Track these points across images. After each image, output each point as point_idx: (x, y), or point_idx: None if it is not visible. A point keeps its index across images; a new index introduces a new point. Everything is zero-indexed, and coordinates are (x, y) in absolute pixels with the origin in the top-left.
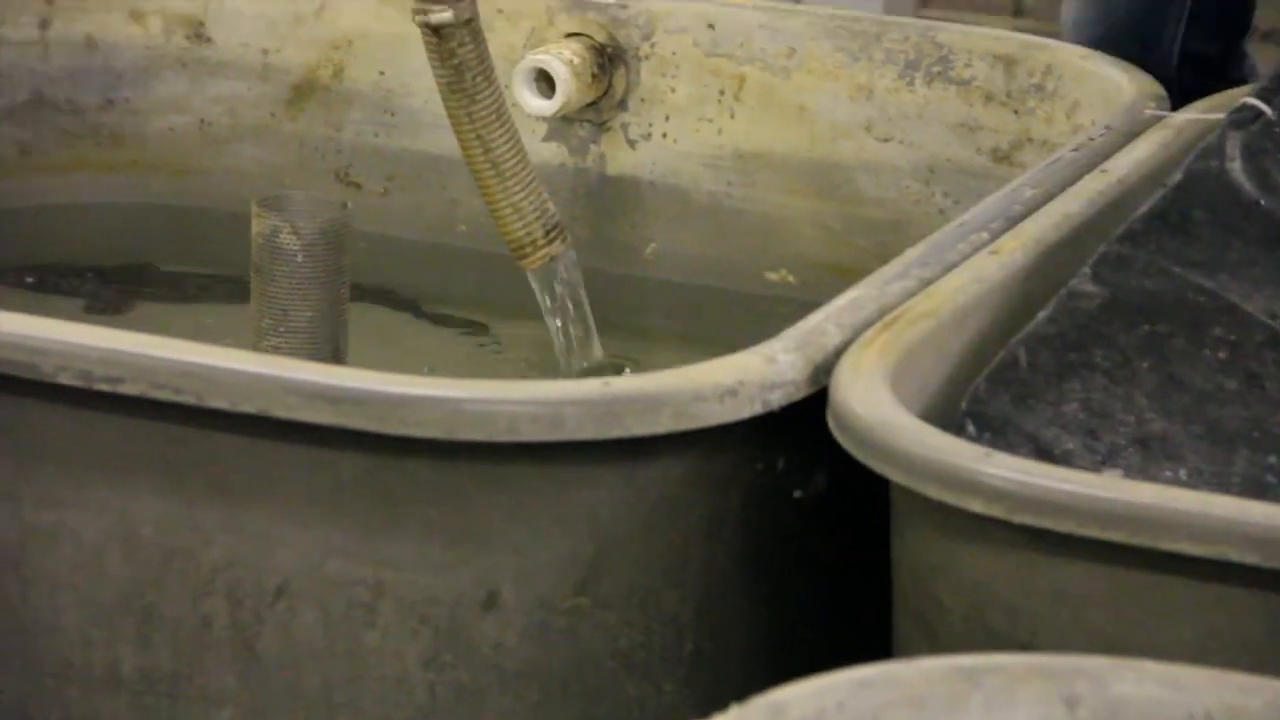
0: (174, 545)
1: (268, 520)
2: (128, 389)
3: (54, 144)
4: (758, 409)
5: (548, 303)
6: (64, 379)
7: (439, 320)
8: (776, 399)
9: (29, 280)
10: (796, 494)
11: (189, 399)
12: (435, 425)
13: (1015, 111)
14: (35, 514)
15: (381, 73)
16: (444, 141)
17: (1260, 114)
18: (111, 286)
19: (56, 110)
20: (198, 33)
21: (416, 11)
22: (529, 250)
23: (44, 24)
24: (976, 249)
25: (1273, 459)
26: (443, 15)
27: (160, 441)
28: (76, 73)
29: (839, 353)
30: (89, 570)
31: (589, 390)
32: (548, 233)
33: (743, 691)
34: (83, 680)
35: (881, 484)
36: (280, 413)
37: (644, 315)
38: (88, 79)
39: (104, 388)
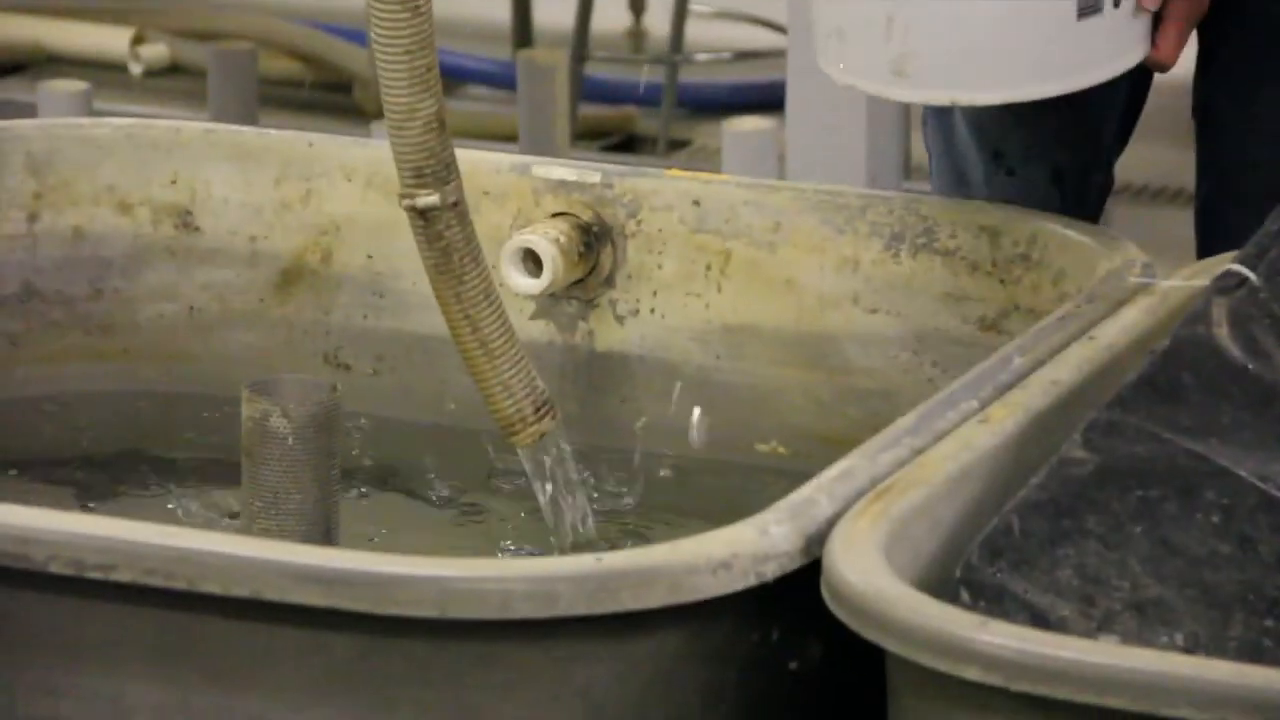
0: None
1: (261, 704)
2: (120, 576)
3: (43, 335)
4: (751, 581)
5: (539, 479)
6: (55, 568)
7: (430, 499)
8: (770, 571)
9: (11, 472)
10: (792, 665)
11: (181, 584)
12: (427, 604)
13: (1001, 281)
14: (29, 704)
15: (369, 256)
16: (433, 321)
17: (1244, 280)
18: (102, 475)
19: (45, 301)
20: (185, 221)
21: (403, 196)
22: (519, 427)
23: (32, 217)
24: (966, 417)
25: (1269, 622)
26: (429, 199)
27: (153, 628)
28: (65, 264)
29: (831, 523)
30: None
31: (582, 566)
32: (537, 409)
33: None
34: None
35: (877, 653)
36: (272, 595)
37: (634, 488)
38: (76, 269)
39: (96, 575)
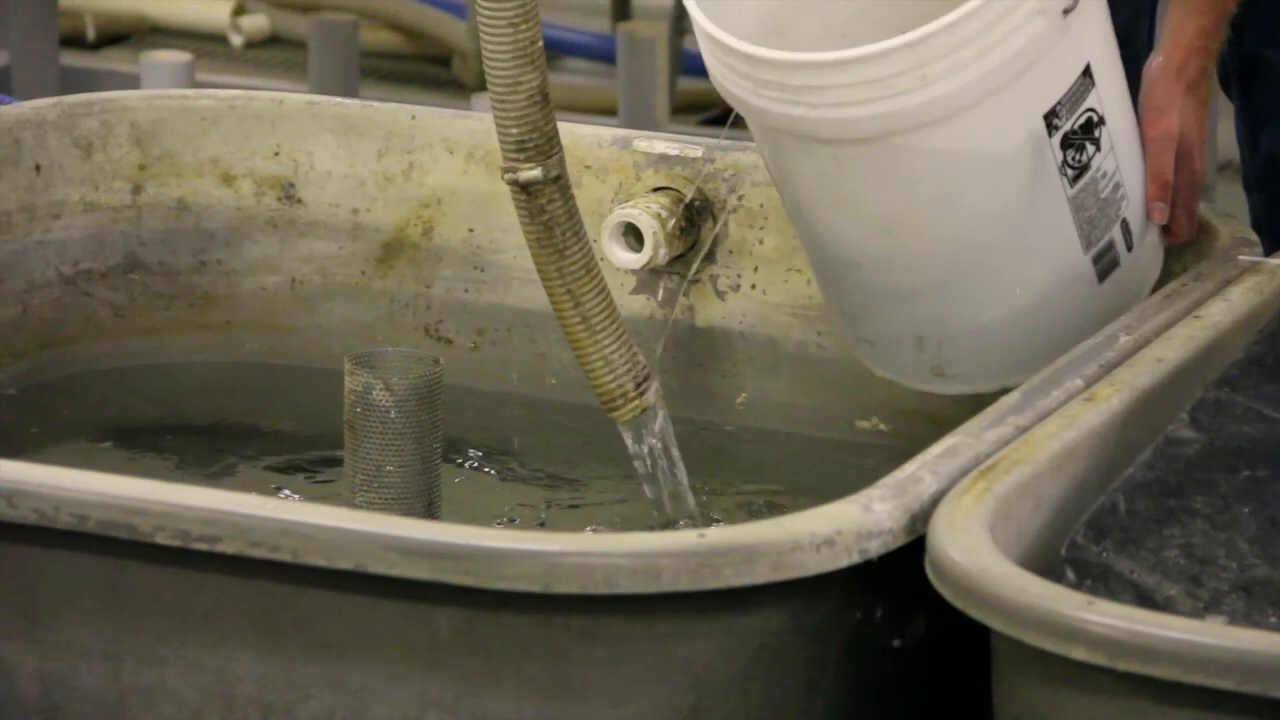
0: (272, 702)
1: (365, 676)
2: (225, 548)
3: (147, 305)
4: (855, 558)
5: (639, 454)
6: (161, 539)
7: (529, 472)
8: (874, 548)
9: (108, 442)
10: (895, 642)
11: (285, 557)
12: (532, 578)
13: None
14: (135, 673)
15: (470, 229)
16: (533, 296)
17: None
18: (203, 445)
19: (149, 272)
20: (288, 194)
21: (505, 169)
22: (620, 403)
23: (137, 189)
24: (1072, 395)
25: None
26: (531, 173)
27: (257, 599)
28: (169, 235)
29: (935, 501)
30: None
31: (685, 542)
32: (638, 385)
33: None
34: None
35: (981, 631)
36: (377, 568)
37: (735, 464)
38: (180, 241)
39: (201, 547)
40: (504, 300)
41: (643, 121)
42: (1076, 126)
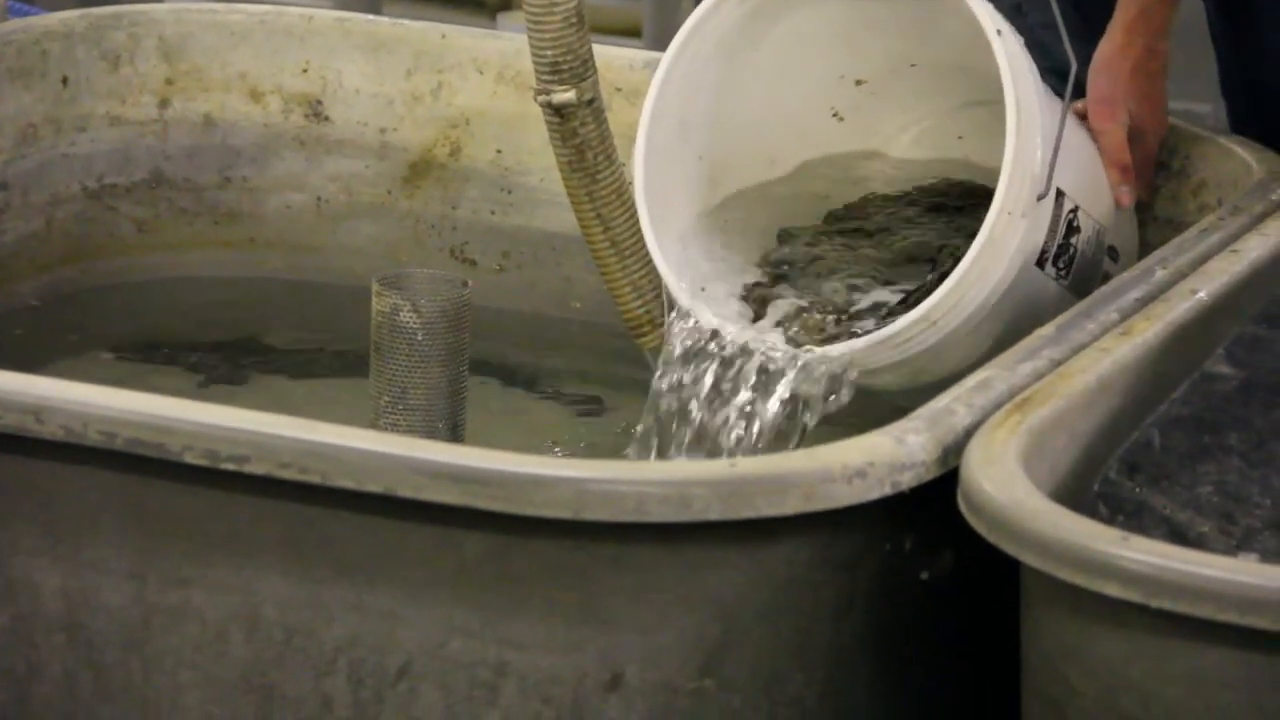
0: (296, 624)
1: (391, 599)
2: (253, 469)
3: (171, 221)
4: (887, 490)
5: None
6: (190, 458)
7: (553, 395)
8: (906, 480)
9: (130, 357)
10: (924, 574)
11: (314, 479)
12: (562, 505)
13: None
14: (160, 593)
15: (498, 151)
16: (559, 219)
17: None
18: (227, 360)
19: (174, 188)
20: (315, 111)
21: (539, 92)
22: (648, 328)
23: (163, 103)
24: (1106, 329)
25: None
26: (565, 95)
27: (284, 520)
28: (194, 151)
29: (969, 433)
30: (211, 649)
31: (716, 471)
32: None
33: None
34: None
35: (1011, 564)
36: (406, 492)
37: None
38: (206, 157)
39: (230, 467)
40: (530, 223)
41: (666, 43)
42: (1060, 240)
